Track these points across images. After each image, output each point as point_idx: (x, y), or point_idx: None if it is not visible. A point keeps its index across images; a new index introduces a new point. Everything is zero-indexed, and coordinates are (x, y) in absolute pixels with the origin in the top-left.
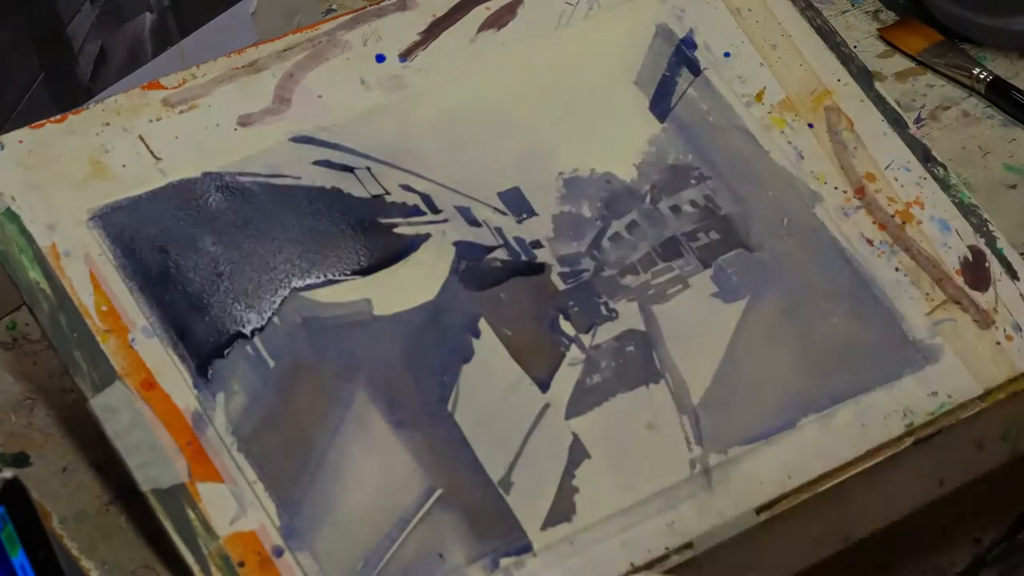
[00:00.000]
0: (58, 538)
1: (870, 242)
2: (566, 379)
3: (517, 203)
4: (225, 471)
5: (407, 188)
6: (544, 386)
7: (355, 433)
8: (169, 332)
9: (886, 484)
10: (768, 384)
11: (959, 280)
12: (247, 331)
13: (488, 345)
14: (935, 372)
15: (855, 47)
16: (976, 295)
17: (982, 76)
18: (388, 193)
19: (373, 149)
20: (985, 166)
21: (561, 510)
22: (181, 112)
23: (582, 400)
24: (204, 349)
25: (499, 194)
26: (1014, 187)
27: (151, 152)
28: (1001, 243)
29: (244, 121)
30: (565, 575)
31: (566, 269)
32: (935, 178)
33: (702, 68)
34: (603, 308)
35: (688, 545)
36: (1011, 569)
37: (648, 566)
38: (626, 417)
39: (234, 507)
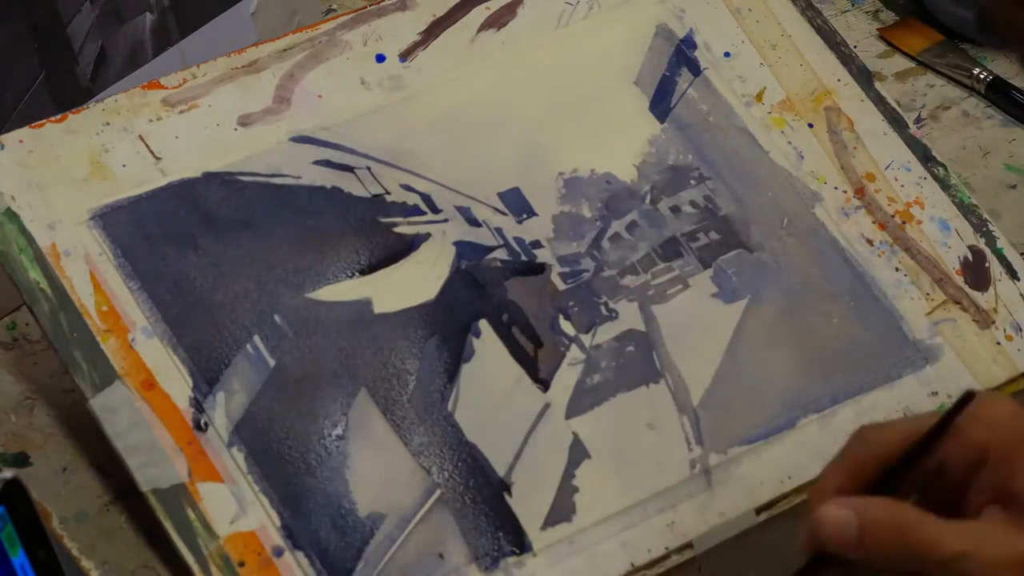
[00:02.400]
0: (58, 538)
1: (870, 242)
2: (566, 379)
3: (517, 203)
4: (225, 471)
5: (407, 188)
6: (544, 386)
7: (356, 433)
8: (169, 332)
9: None
10: (768, 384)
11: (959, 280)
12: (247, 331)
13: (488, 345)
14: (935, 372)
15: (855, 47)
16: (976, 295)
17: (982, 76)
18: (388, 193)
19: (373, 149)
20: (985, 166)
21: (561, 510)
22: (181, 112)
23: (582, 400)
24: (204, 349)
25: (499, 194)
26: (1014, 187)
27: (151, 152)
28: (1001, 243)
29: (244, 121)
30: (565, 575)
31: (566, 269)
32: (935, 178)
33: (702, 68)
34: (603, 308)
35: (688, 545)
36: None
37: (649, 566)
38: (626, 417)
39: (234, 507)
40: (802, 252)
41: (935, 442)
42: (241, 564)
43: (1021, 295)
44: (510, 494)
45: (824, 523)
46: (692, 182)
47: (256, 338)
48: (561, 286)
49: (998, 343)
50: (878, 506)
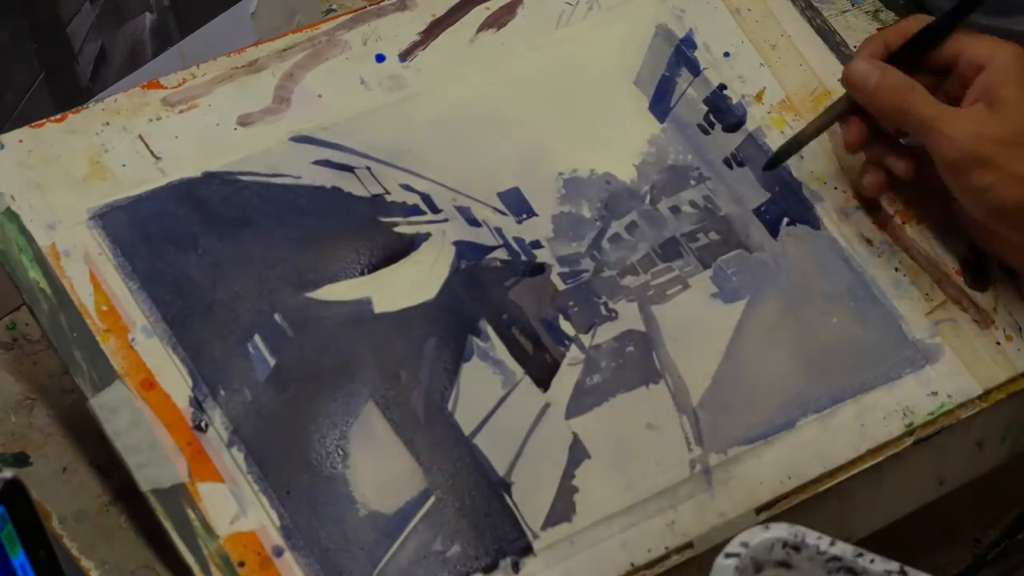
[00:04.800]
0: (58, 538)
1: (870, 242)
2: (566, 379)
3: (517, 203)
4: (225, 471)
5: (407, 188)
6: (544, 386)
7: (356, 433)
8: (169, 332)
9: (886, 484)
10: (768, 384)
11: (959, 280)
12: (247, 330)
13: (488, 345)
14: (935, 372)
15: (855, 47)
16: (976, 295)
17: None
18: (388, 192)
19: (373, 149)
20: None
21: (561, 510)
22: (181, 112)
23: (582, 400)
24: (204, 349)
25: (499, 194)
26: None
27: (151, 151)
28: None
29: (244, 121)
30: (565, 575)
31: (566, 269)
32: None
33: (702, 68)
34: (603, 308)
35: (688, 545)
36: (1011, 569)
37: (649, 566)
38: (626, 417)
39: (234, 507)
40: (802, 252)
41: (951, 24)
42: (241, 564)
43: (1021, 295)
44: (510, 494)
45: (852, 72)
46: (692, 182)
47: (256, 338)
48: (561, 286)
49: (998, 343)
50: (894, 72)
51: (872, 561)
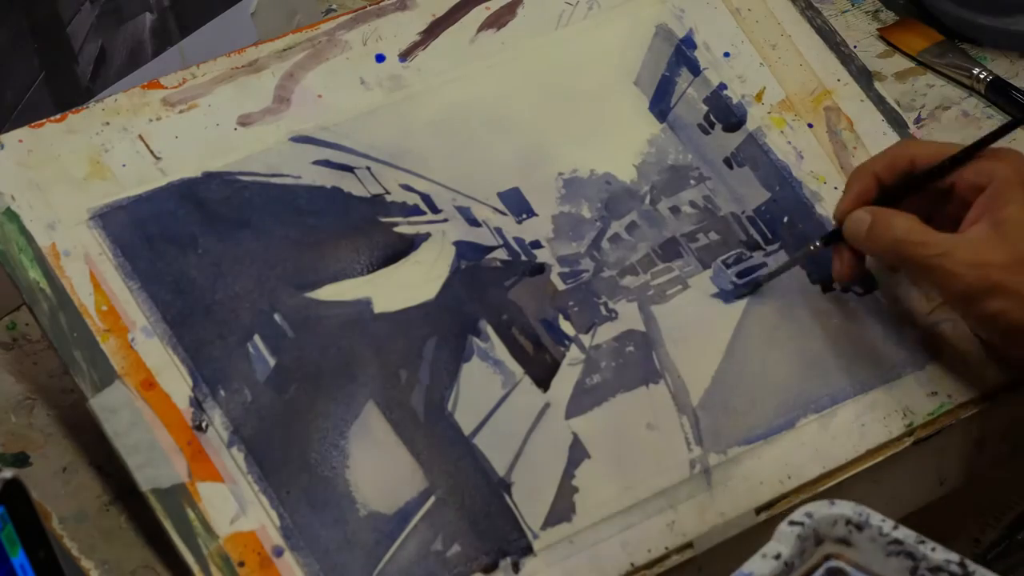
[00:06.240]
0: (58, 538)
1: None
2: (566, 379)
3: (517, 203)
4: (225, 471)
5: (407, 188)
6: (544, 386)
7: (356, 433)
8: (169, 332)
9: (886, 484)
10: (768, 384)
11: None
12: (247, 330)
13: (488, 345)
14: (935, 372)
15: (855, 47)
16: None
17: (982, 76)
18: (388, 192)
19: (373, 149)
20: None
21: (561, 510)
22: (181, 112)
23: (582, 400)
24: (204, 349)
25: (499, 194)
26: None
27: (151, 151)
28: None
29: (244, 121)
30: (565, 575)
31: (566, 269)
32: None
33: (702, 68)
34: (603, 308)
35: (688, 545)
36: (1011, 569)
37: (649, 566)
38: (626, 417)
39: (234, 507)
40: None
41: (957, 165)
42: (241, 564)
43: None
44: (510, 494)
45: (847, 223)
46: (692, 182)
47: (256, 338)
48: (561, 286)
49: None
50: (887, 215)
51: (933, 549)
